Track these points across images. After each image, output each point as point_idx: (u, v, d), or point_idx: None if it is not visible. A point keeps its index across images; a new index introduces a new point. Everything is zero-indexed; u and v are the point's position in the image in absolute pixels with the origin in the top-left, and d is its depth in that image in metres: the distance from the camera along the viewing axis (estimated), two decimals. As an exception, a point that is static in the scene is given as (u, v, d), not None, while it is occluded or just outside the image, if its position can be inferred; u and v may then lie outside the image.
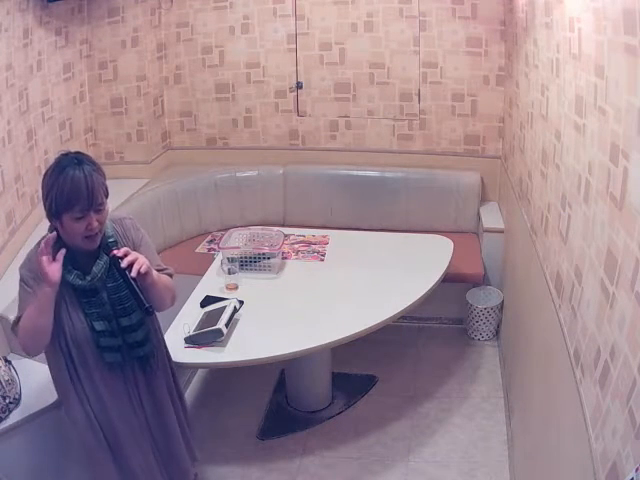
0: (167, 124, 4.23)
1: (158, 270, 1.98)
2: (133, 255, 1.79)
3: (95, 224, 1.77)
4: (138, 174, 3.92)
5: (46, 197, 1.77)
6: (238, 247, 3.10)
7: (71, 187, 1.72)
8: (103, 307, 1.85)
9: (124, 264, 1.76)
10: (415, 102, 3.92)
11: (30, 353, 1.88)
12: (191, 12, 3.98)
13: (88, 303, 1.84)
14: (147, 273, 1.81)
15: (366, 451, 2.88)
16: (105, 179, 1.83)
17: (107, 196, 1.83)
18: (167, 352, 2.15)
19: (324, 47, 3.92)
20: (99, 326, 1.86)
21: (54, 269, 1.71)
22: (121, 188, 3.57)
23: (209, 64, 4.07)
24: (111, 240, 1.86)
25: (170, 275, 2.04)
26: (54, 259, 1.73)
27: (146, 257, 1.87)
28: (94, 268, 1.83)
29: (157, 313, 2.06)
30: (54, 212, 1.76)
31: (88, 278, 1.82)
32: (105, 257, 1.84)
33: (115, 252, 1.78)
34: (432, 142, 3.98)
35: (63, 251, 1.73)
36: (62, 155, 1.80)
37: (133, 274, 1.76)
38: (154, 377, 2.03)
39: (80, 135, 3.71)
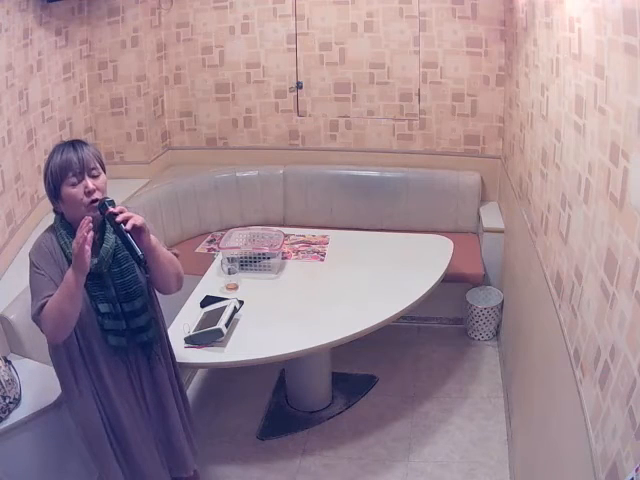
0: (167, 124, 4.23)
1: None
2: (129, 212, 1.80)
3: (91, 186, 1.79)
4: (138, 174, 3.93)
5: (45, 180, 1.82)
6: (238, 247, 3.10)
7: (61, 159, 1.79)
8: (108, 290, 1.87)
9: (119, 219, 1.77)
10: (415, 102, 3.93)
11: (56, 340, 1.86)
12: (191, 12, 3.98)
13: (93, 285, 1.84)
14: (142, 230, 1.80)
15: (366, 451, 2.88)
16: (101, 155, 1.88)
17: (103, 168, 1.87)
18: (169, 344, 2.15)
19: (324, 47, 3.92)
20: (103, 308, 1.87)
21: (87, 255, 1.71)
22: (121, 188, 3.57)
23: (209, 64, 4.07)
24: (108, 199, 1.84)
25: (176, 255, 2.03)
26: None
27: None
28: (101, 251, 1.84)
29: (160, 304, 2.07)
30: (52, 189, 1.81)
31: (94, 261, 1.82)
32: (111, 241, 1.86)
33: (111, 209, 1.79)
34: (432, 142, 3.98)
35: (91, 234, 1.70)
36: (57, 144, 1.87)
37: (128, 227, 1.77)
38: (157, 367, 2.04)
39: (80, 135, 3.70)
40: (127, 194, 3.62)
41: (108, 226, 1.86)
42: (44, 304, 1.76)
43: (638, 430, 1.19)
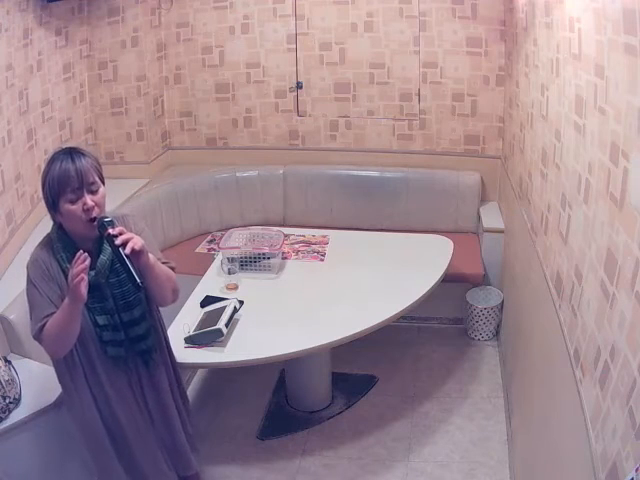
0: (167, 124, 4.23)
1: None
2: (128, 234, 1.79)
3: (90, 203, 1.78)
4: (138, 174, 3.92)
5: (42, 190, 1.81)
6: (238, 247, 3.10)
7: (59, 172, 1.76)
8: (106, 302, 1.87)
9: (118, 241, 1.76)
10: (415, 102, 3.93)
11: (57, 356, 1.88)
12: (191, 12, 3.98)
13: (91, 297, 1.83)
14: (142, 252, 1.79)
15: (366, 451, 2.88)
16: (100, 166, 1.86)
17: (102, 180, 1.86)
18: (169, 347, 2.15)
19: (324, 47, 3.92)
20: (102, 320, 1.87)
21: (84, 286, 1.70)
22: (121, 188, 3.57)
23: (209, 64, 4.07)
24: (107, 219, 1.82)
25: (172, 269, 2.03)
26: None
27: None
28: (98, 263, 1.84)
29: (160, 309, 2.07)
30: (51, 202, 1.79)
31: (92, 273, 1.82)
32: (108, 252, 1.84)
33: (110, 231, 1.78)
34: (432, 142, 3.98)
35: (87, 261, 1.70)
36: (56, 151, 1.84)
37: (127, 251, 1.75)
38: (156, 371, 2.04)
39: (80, 135, 3.71)
40: (127, 194, 3.62)
41: None
42: (44, 325, 1.77)
43: (638, 430, 1.19)
